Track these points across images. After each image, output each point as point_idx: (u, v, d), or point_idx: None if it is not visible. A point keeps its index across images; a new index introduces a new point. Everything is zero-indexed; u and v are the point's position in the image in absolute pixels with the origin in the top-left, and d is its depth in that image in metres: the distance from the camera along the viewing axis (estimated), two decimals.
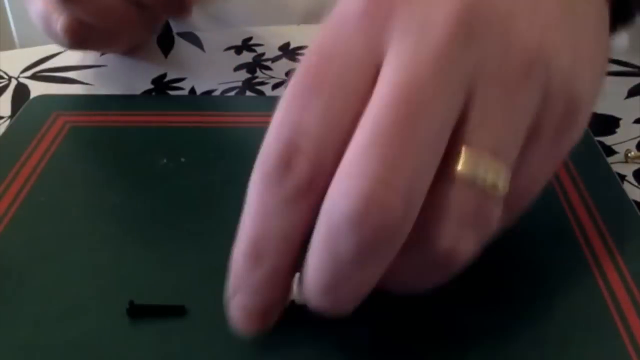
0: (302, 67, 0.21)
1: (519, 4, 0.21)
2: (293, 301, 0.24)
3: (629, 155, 0.35)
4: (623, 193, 0.31)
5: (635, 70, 0.44)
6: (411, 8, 0.20)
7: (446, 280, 0.22)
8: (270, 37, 0.47)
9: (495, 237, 0.23)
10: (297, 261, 0.21)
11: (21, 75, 0.44)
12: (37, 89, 0.42)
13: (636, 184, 0.33)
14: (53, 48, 0.47)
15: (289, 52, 0.46)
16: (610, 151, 0.35)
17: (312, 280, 0.20)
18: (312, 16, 0.50)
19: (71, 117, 0.37)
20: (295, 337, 0.24)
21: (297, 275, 0.24)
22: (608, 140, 0.36)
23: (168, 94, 0.41)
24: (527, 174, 0.22)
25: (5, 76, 0.44)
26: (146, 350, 0.24)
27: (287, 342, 0.24)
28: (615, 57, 0.45)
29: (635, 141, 0.36)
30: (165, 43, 0.47)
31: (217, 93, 0.41)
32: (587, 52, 0.23)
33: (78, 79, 0.43)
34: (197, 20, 0.57)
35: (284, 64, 0.44)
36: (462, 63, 0.20)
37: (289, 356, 0.24)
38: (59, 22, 0.34)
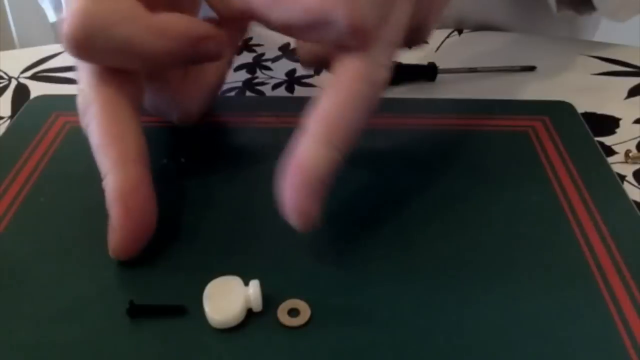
0: None
1: None
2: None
3: (629, 155, 0.35)
4: (623, 193, 0.31)
5: (635, 70, 0.44)
6: None
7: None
8: (270, 37, 0.47)
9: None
10: None
11: (21, 75, 0.44)
12: (37, 89, 0.42)
13: (636, 184, 0.33)
14: (53, 48, 0.47)
15: (289, 52, 0.46)
16: (610, 151, 0.35)
17: None
18: None
19: (71, 117, 0.37)
20: (292, 337, 0.24)
21: (256, 283, 0.25)
22: (608, 140, 0.36)
23: None
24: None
25: (5, 76, 0.44)
26: (146, 350, 0.24)
27: (285, 342, 0.24)
28: (615, 57, 0.45)
29: (635, 141, 0.36)
30: None
31: None
32: None
33: (77, 81, 0.43)
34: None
35: (284, 64, 0.44)
36: None
37: (287, 354, 0.24)
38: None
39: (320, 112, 0.26)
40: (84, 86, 0.29)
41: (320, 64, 0.31)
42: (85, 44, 0.27)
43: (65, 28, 0.27)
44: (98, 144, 0.27)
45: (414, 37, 0.32)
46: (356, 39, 0.26)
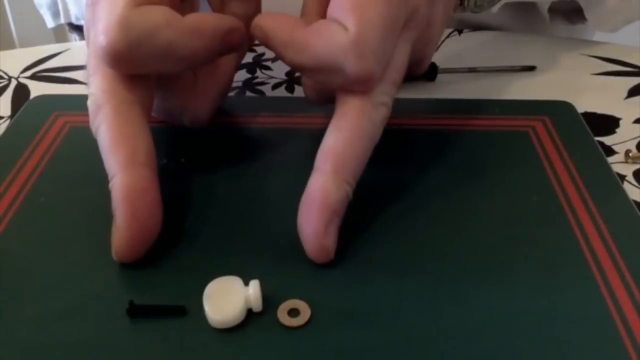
0: None
1: None
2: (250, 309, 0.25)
3: (629, 155, 0.35)
4: (623, 193, 0.31)
5: (635, 70, 0.44)
6: None
7: None
8: None
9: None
10: None
11: (21, 75, 0.44)
12: (37, 89, 0.42)
13: (636, 184, 0.33)
14: (53, 48, 0.47)
15: None
16: (610, 151, 0.35)
17: None
18: None
19: (71, 117, 0.37)
20: (292, 337, 0.24)
21: (256, 283, 0.25)
22: (608, 140, 0.36)
23: None
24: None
25: (5, 76, 0.44)
26: (146, 350, 0.24)
27: (285, 342, 0.24)
28: (615, 57, 0.45)
29: (635, 141, 0.36)
30: None
31: None
32: None
33: (78, 79, 0.43)
34: None
35: (283, 64, 0.44)
36: None
37: (287, 354, 0.24)
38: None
39: (327, 150, 0.27)
40: (94, 90, 0.29)
41: (326, 99, 0.32)
42: (129, 54, 0.27)
43: (104, 40, 0.27)
44: (107, 145, 0.28)
45: (413, 69, 0.33)
46: (361, 86, 0.28)
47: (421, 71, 0.34)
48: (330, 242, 0.27)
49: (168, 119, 0.35)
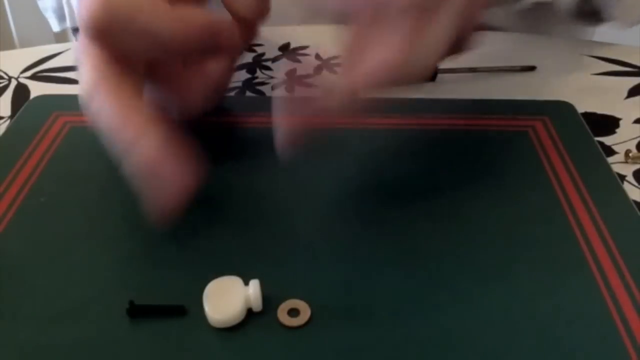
0: None
1: None
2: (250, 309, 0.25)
3: (629, 155, 0.35)
4: (623, 193, 0.31)
5: (635, 70, 0.44)
6: None
7: None
8: (270, 37, 0.47)
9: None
10: None
11: (21, 75, 0.44)
12: (37, 89, 0.42)
13: (636, 184, 0.33)
14: (53, 48, 0.47)
15: (289, 52, 0.46)
16: (610, 151, 0.35)
17: None
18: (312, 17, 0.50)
19: (71, 117, 0.37)
20: (292, 337, 0.24)
21: (256, 283, 0.25)
22: (608, 140, 0.36)
23: None
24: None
25: (5, 76, 0.44)
26: (146, 350, 0.24)
27: (285, 342, 0.24)
28: (615, 57, 0.45)
29: (635, 141, 0.36)
30: None
31: None
32: None
33: (78, 79, 0.43)
34: None
35: (283, 64, 0.44)
36: None
37: (287, 354, 0.24)
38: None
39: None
40: (86, 80, 0.29)
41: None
42: (109, 27, 0.28)
43: (85, 13, 0.28)
44: (116, 118, 0.27)
45: (457, 47, 0.32)
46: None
47: (463, 50, 0.33)
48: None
49: (157, 111, 0.35)
